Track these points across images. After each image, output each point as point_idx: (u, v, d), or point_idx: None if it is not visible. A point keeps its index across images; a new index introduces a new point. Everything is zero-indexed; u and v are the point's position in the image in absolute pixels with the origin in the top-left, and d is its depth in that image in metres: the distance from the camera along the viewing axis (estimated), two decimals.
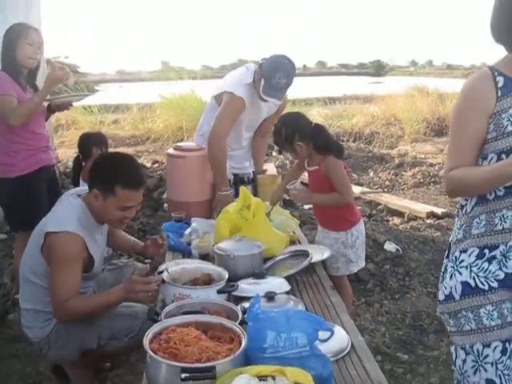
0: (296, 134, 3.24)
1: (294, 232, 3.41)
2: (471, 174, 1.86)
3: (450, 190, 1.97)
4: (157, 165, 8.57)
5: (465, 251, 1.96)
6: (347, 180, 3.27)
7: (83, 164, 4.23)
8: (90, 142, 4.25)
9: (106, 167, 2.62)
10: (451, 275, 2.00)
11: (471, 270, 1.93)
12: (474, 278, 1.92)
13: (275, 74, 3.51)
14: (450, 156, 1.94)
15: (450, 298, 2.00)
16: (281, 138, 3.30)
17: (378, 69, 71.51)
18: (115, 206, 2.56)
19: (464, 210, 2.02)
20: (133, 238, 3.28)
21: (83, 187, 2.89)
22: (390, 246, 4.91)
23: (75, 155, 4.54)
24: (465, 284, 1.95)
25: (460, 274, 1.96)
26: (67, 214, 2.58)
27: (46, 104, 3.81)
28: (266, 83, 3.55)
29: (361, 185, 8.17)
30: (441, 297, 2.06)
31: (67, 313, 2.50)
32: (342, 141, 11.64)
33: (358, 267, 3.46)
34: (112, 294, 2.52)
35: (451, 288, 1.99)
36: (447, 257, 2.08)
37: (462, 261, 1.96)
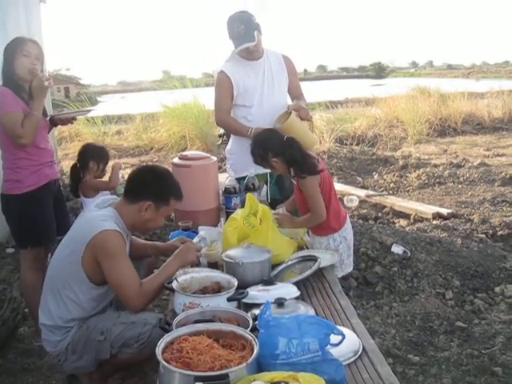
0: (268, 151, 3.26)
1: (301, 238, 3.42)
2: None
3: None
4: None
5: None
6: (318, 199, 3.26)
7: (81, 175, 4.23)
8: (88, 153, 4.24)
9: (158, 180, 2.81)
10: None
11: None
12: None
13: (233, 26, 3.83)
14: None
15: None
16: (256, 157, 3.34)
17: (378, 71, 71.74)
18: (164, 215, 2.88)
19: None
20: (148, 242, 3.38)
21: (103, 199, 2.95)
22: (397, 249, 4.91)
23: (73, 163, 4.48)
24: None
25: None
26: (104, 217, 2.69)
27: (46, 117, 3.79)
28: (233, 38, 3.86)
29: (366, 188, 8.18)
30: None
31: (146, 297, 2.66)
32: (346, 144, 11.68)
33: (342, 272, 3.47)
34: (170, 266, 2.70)
35: None
36: None
37: None
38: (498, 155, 10.54)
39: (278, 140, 3.32)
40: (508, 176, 8.15)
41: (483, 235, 5.67)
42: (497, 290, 4.57)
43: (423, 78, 34.94)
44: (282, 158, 3.26)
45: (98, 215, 2.71)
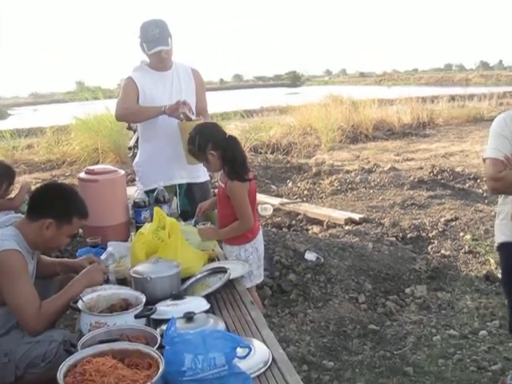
0: (209, 142, 3.25)
1: (212, 250, 3.40)
2: None
3: None
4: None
5: None
6: (247, 207, 3.28)
7: None
8: None
9: (61, 198, 2.74)
10: None
11: None
12: None
13: (147, 29, 3.85)
14: None
15: None
16: (194, 146, 3.30)
17: (293, 80, 72.83)
18: (67, 234, 2.77)
19: None
20: (57, 259, 3.27)
21: (5, 219, 2.83)
22: (310, 255, 4.97)
23: None
24: None
25: None
26: (4, 237, 2.58)
27: None
28: (146, 42, 3.88)
29: (280, 196, 8.26)
30: None
31: (45, 320, 2.54)
32: (260, 153, 11.77)
33: (251, 283, 3.44)
34: (74, 287, 2.61)
35: None
36: None
37: None
38: (407, 160, 10.90)
39: (221, 135, 3.32)
40: (416, 180, 8.43)
41: (393, 238, 5.84)
42: (407, 291, 4.71)
43: (337, 86, 35.81)
44: (220, 154, 3.25)
45: None
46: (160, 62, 3.96)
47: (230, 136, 3.35)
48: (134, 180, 5.54)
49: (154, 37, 3.84)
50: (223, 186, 3.31)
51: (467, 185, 8.32)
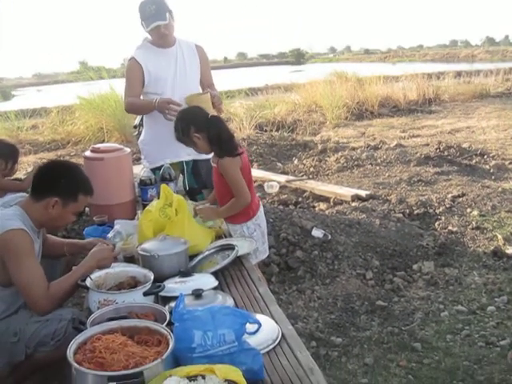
0: (191, 125, 3.24)
1: (220, 227, 3.39)
2: None
3: None
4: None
5: None
6: (241, 182, 3.26)
7: None
8: None
9: (65, 176, 2.72)
10: None
11: None
12: None
13: (144, 8, 3.85)
14: None
15: None
16: (178, 132, 3.30)
17: (298, 57, 72.52)
18: (73, 212, 2.75)
19: None
20: (65, 240, 3.25)
21: (10, 198, 2.84)
22: (317, 232, 4.96)
23: None
24: None
25: None
26: (8, 216, 2.58)
27: None
28: (144, 19, 3.87)
29: (286, 173, 8.23)
30: None
31: (54, 300, 2.54)
32: (265, 130, 11.72)
33: (256, 259, 3.45)
34: (83, 268, 2.59)
35: None
36: None
37: None
38: (413, 136, 10.83)
39: (202, 116, 3.30)
40: (423, 156, 8.38)
41: (400, 215, 5.81)
42: (415, 267, 4.70)
43: (342, 63, 35.57)
44: (205, 135, 3.24)
45: (3, 214, 2.60)
46: (160, 38, 3.94)
47: (212, 116, 3.34)
48: (139, 159, 5.52)
49: (151, 13, 3.82)
50: (215, 165, 3.31)
51: (474, 161, 8.26)
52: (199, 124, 3.24)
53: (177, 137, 3.35)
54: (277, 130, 11.81)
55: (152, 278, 2.40)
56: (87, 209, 3.98)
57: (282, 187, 7.25)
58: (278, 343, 2.07)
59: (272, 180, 7.40)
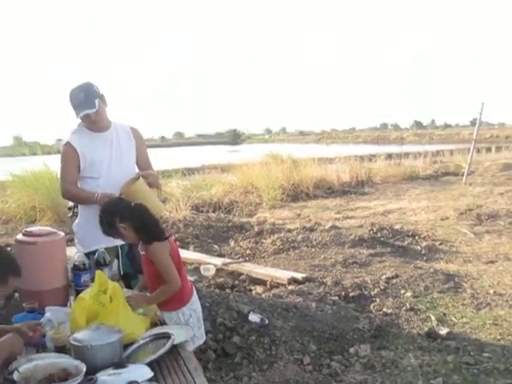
0: (116, 216, 3.21)
1: (155, 314, 3.31)
2: None
3: None
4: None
5: None
6: (171, 266, 3.21)
7: None
8: None
9: None
10: None
11: None
12: None
13: (74, 95, 3.87)
14: None
15: None
16: (104, 225, 3.26)
17: (234, 137, 73.99)
18: (2, 295, 2.67)
19: None
20: None
21: None
22: (254, 317, 4.91)
23: None
24: None
25: None
26: None
27: None
28: (74, 107, 3.88)
29: (223, 255, 8.21)
30: None
31: None
32: (202, 211, 11.73)
33: (193, 345, 3.34)
34: None
35: None
36: None
37: None
38: (348, 218, 11.06)
39: (126, 206, 3.27)
40: (357, 238, 8.53)
41: (336, 297, 5.85)
42: (351, 350, 4.69)
43: (277, 144, 36.43)
44: (131, 224, 3.19)
45: None
46: (92, 124, 3.94)
47: (134, 204, 3.31)
48: (72, 240, 5.40)
49: (80, 101, 3.84)
50: (143, 253, 3.27)
51: (406, 242, 8.49)
52: (123, 214, 3.21)
53: (103, 230, 3.30)
54: (213, 211, 11.86)
55: (84, 369, 2.30)
56: (16, 294, 3.83)
57: (219, 270, 7.21)
58: None
59: (208, 263, 7.35)
